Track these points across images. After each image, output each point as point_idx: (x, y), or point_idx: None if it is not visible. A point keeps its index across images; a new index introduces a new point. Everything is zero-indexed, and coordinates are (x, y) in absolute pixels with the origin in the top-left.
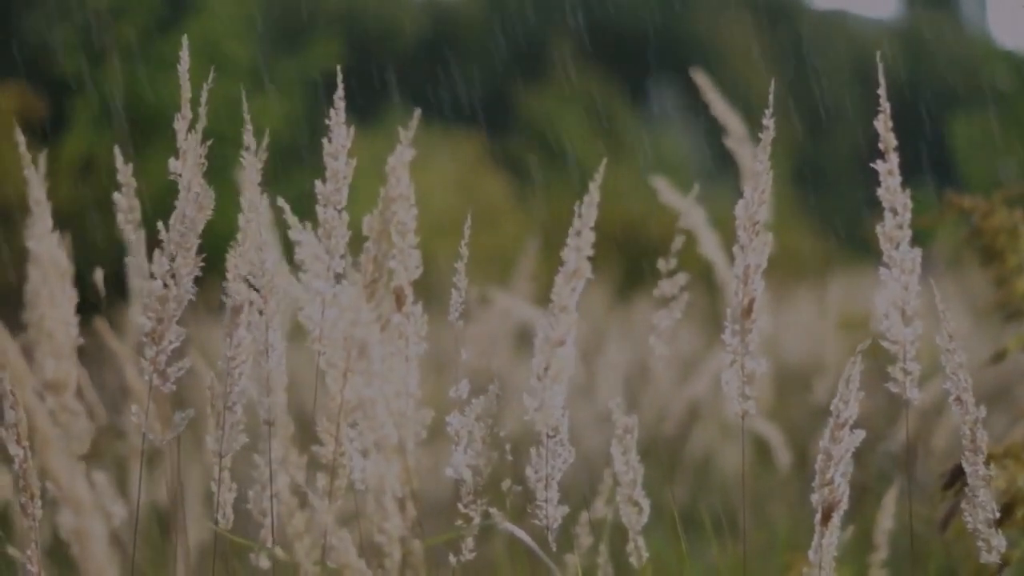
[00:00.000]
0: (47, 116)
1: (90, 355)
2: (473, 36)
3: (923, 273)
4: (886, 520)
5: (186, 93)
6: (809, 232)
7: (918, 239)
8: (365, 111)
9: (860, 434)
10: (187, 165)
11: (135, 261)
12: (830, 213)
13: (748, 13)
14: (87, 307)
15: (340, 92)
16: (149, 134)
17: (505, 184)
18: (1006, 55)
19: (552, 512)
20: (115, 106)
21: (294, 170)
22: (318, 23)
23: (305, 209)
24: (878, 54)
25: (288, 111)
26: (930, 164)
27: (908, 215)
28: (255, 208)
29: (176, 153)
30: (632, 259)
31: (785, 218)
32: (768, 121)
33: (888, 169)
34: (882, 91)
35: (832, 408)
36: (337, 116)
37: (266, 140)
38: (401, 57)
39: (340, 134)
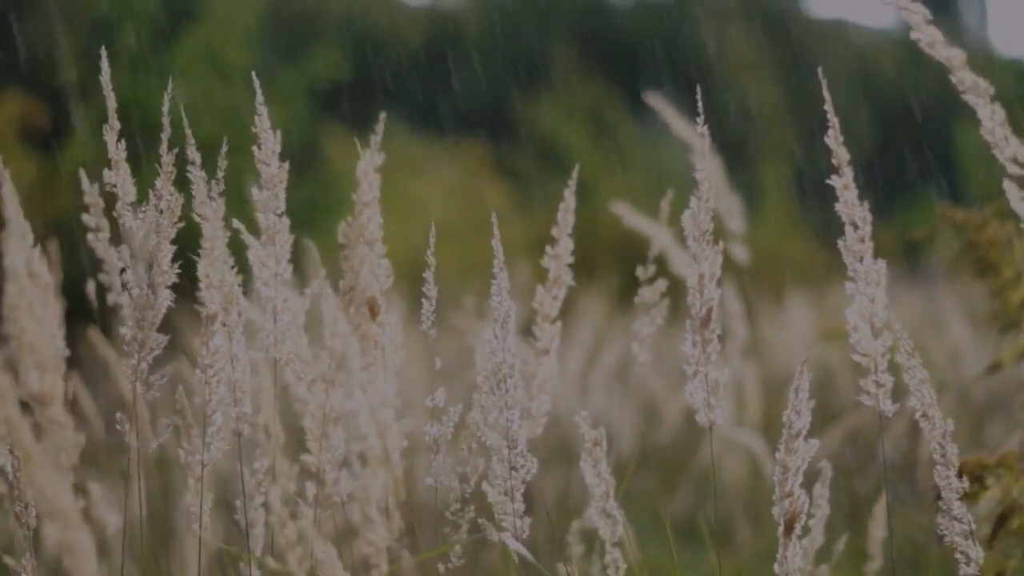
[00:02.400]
0: (49, 124)
1: (88, 366)
2: (474, 45)
3: (921, 283)
4: (878, 529)
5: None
6: (808, 241)
7: (917, 249)
8: (364, 120)
9: (814, 444)
10: (117, 170)
11: (109, 278)
12: (829, 222)
13: (749, 23)
14: (86, 317)
15: (260, 97)
16: (150, 142)
17: (506, 192)
18: (1007, 64)
19: (518, 523)
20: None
21: (295, 177)
22: (319, 32)
23: (308, 216)
24: (819, 70)
25: (288, 119)
26: (934, 172)
27: (869, 228)
28: (218, 217)
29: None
30: (632, 268)
31: (784, 227)
32: (702, 129)
33: (844, 183)
34: (828, 106)
35: (784, 419)
36: (262, 122)
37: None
38: (402, 66)
39: (268, 139)
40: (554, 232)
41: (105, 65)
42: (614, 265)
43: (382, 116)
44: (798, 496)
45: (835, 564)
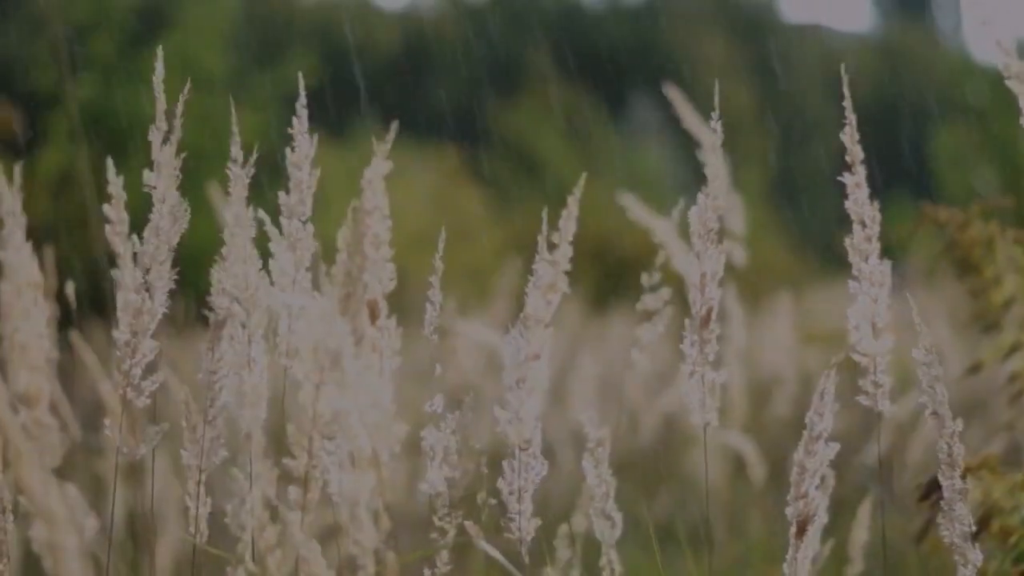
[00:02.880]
0: (23, 131)
1: (65, 370)
2: (448, 50)
3: (898, 286)
4: (861, 533)
5: (161, 104)
6: (784, 245)
7: (892, 252)
8: (339, 125)
9: (835, 447)
10: (162, 177)
11: (122, 274)
12: (805, 226)
13: (724, 27)
14: (64, 322)
15: (303, 100)
16: (123, 149)
17: (481, 198)
18: (982, 69)
19: (525, 525)
20: (89, 121)
21: (267, 184)
22: (293, 38)
23: (279, 223)
24: (842, 67)
25: (263, 125)
26: (906, 177)
27: (877, 227)
28: (241, 222)
29: (151, 165)
30: (606, 272)
31: (760, 231)
32: (715, 124)
33: (855, 182)
34: (847, 103)
35: (807, 421)
36: (300, 125)
37: (255, 155)
38: (376, 71)
39: (304, 143)
40: (554, 239)
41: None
42: (589, 269)
43: (393, 124)
44: (812, 498)
45: (819, 569)
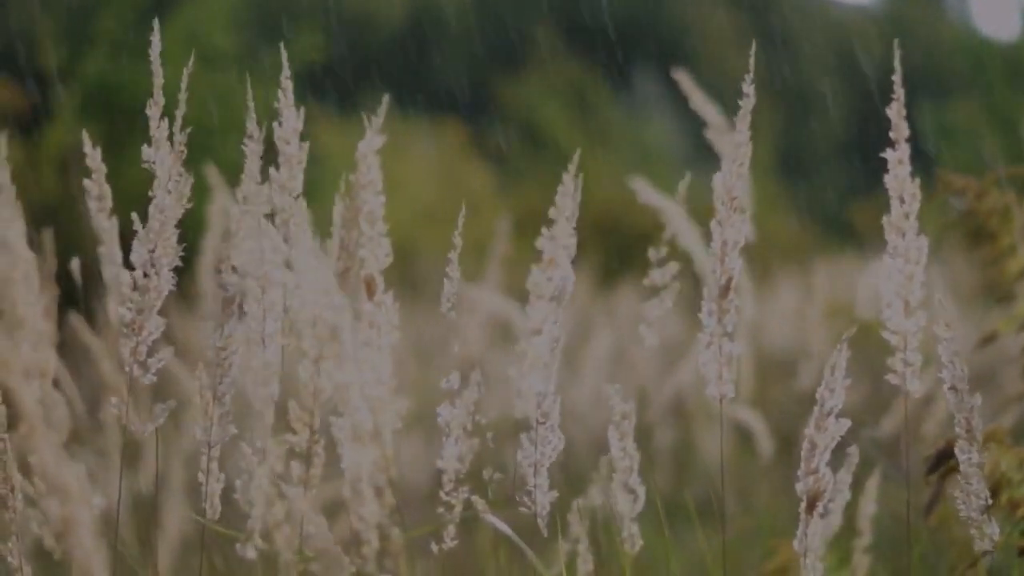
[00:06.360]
0: (30, 108)
1: (71, 348)
2: (455, 25)
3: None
4: (869, 506)
5: (158, 80)
6: (790, 219)
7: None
8: (345, 101)
9: (845, 423)
10: (159, 152)
11: (108, 251)
12: (811, 200)
13: (729, 0)
14: (71, 300)
15: (286, 71)
16: (133, 125)
17: (487, 173)
18: (988, 44)
19: (542, 498)
20: (97, 98)
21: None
22: (301, 14)
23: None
24: (896, 42)
25: (271, 102)
26: (912, 150)
27: (916, 205)
28: (253, 198)
29: (150, 141)
30: (614, 247)
31: (766, 205)
32: (748, 88)
33: (898, 158)
34: (897, 77)
35: (817, 396)
36: (286, 99)
37: (262, 131)
38: (383, 47)
39: (291, 117)
40: (552, 214)
41: None
42: (597, 244)
43: (385, 98)
44: (823, 474)
45: (828, 542)
